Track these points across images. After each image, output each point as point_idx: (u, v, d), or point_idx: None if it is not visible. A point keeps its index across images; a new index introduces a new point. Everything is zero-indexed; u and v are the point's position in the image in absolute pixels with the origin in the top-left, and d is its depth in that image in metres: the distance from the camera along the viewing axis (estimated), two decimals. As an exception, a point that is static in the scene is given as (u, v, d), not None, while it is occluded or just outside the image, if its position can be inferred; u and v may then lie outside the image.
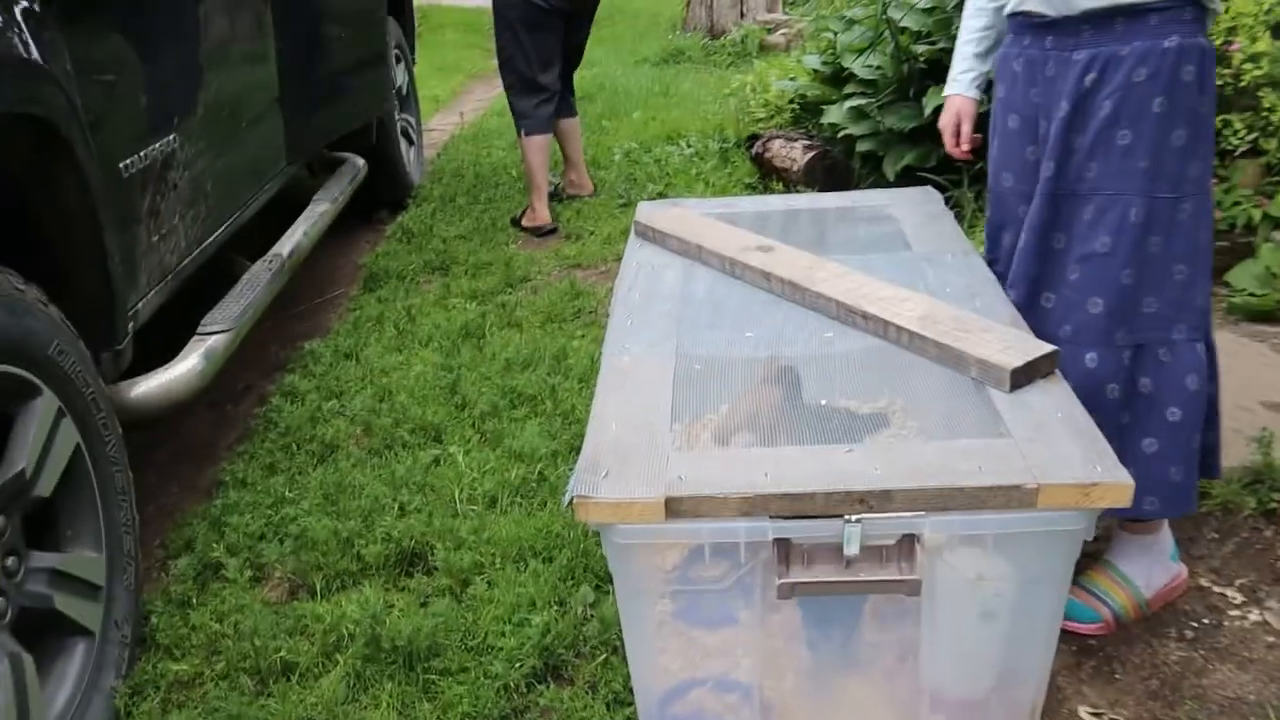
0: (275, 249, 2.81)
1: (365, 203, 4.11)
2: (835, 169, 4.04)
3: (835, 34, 4.35)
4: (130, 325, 2.01)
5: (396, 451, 2.46)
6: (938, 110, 3.50)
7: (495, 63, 4.18)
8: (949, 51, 3.57)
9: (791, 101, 4.75)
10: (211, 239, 2.47)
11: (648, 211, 2.13)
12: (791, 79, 4.84)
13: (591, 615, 1.86)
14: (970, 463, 1.28)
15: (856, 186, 3.96)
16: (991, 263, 1.88)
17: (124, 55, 2.02)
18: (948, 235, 1.97)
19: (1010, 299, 1.74)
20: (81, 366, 1.71)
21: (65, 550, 1.69)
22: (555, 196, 4.24)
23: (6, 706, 1.46)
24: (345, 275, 3.82)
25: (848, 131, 3.91)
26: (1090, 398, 1.66)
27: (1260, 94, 3.00)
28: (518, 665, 1.75)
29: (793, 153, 4.12)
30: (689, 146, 4.86)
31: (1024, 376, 1.44)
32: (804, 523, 1.27)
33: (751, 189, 4.24)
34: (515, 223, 4.09)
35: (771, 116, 4.86)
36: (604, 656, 1.78)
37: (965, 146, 1.98)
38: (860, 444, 1.35)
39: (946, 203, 2.15)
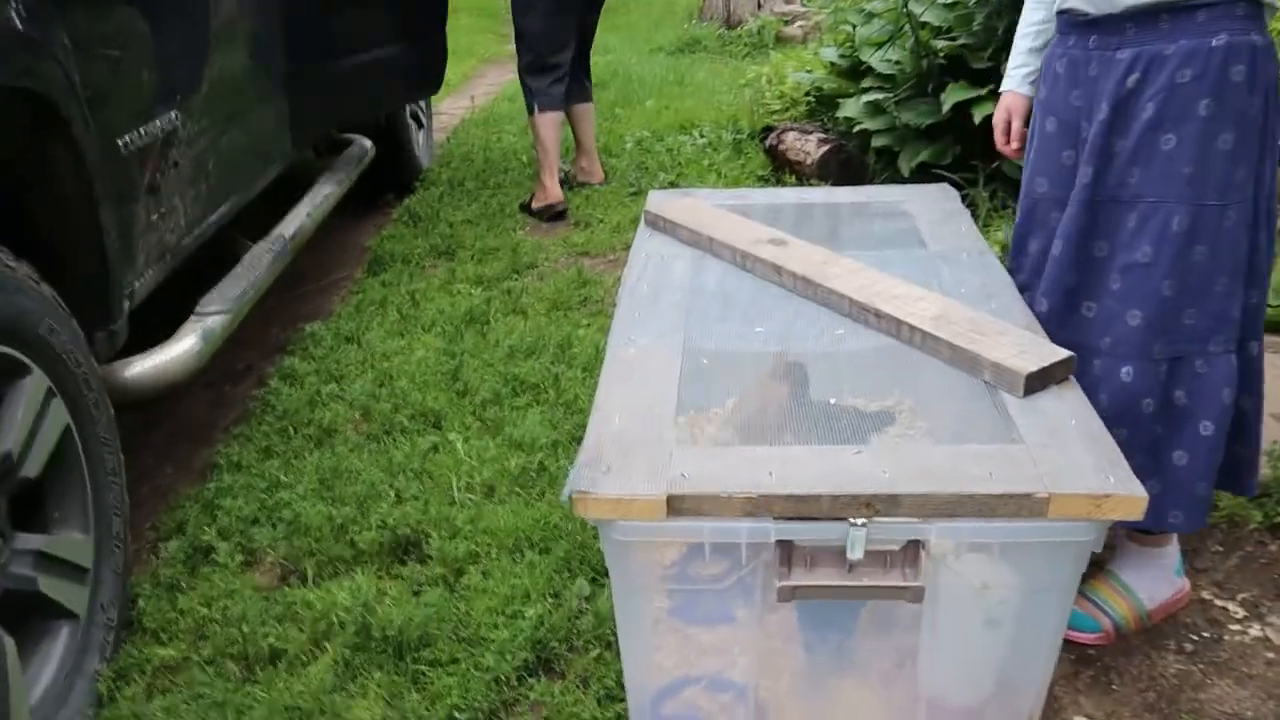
0: (278, 230, 2.78)
1: (372, 185, 4.08)
2: (849, 164, 4.00)
3: (854, 27, 4.29)
4: (126, 304, 1.97)
5: (395, 437, 2.43)
6: (956, 107, 3.50)
7: (510, 48, 4.17)
8: (970, 48, 3.57)
9: (807, 94, 4.70)
10: (212, 219, 2.44)
11: (658, 201, 2.09)
12: (808, 71, 4.79)
13: (586, 609, 1.83)
14: (980, 468, 1.24)
15: (870, 182, 3.92)
16: (1012, 272, 1.81)
17: (124, 30, 1.98)
18: (964, 234, 1.93)
19: (1043, 308, 1.69)
20: (73, 346, 1.68)
21: (52, 532, 1.66)
22: (565, 184, 4.21)
23: (-13, 689, 1.43)
24: (349, 258, 3.79)
25: (863, 126, 3.86)
26: (1125, 412, 1.63)
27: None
28: (509, 658, 1.72)
29: (807, 146, 4.07)
30: (702, 136, 4.81)
31: (1038, 382, 1.40)
32: (808, 525, 1.24)
33: (764, 181, 4.20)
34: (524, 208, 4.05)
35: (786, 109, 4.82)
36: (597, 651, 1.75)
37: (1015, 145, 1.92)
38: (868, 445, 1.31)
39: (962, 201, 2.11)
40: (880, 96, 3.84)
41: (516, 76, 4.16)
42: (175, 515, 2.20)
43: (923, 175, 3.44)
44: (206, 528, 2.11)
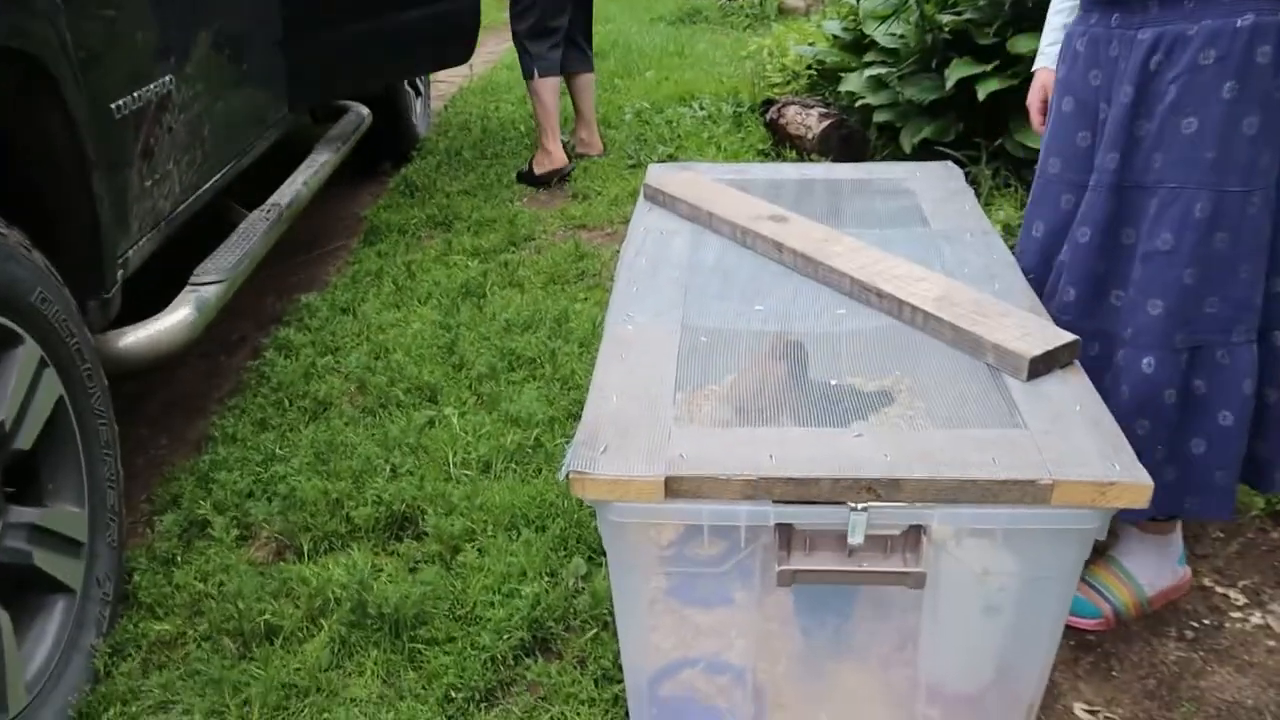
0: (274, 198, 2.75)
1: (368, 154, 4.04)
2: (851, 139, 3.96)
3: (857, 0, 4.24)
4: (119, 273, 1.95)
5: (390, 411, 2.41)
6: (960, 83, 3.46)
7: (505, 15, 4.12)
8: (975, 23, 3.52)
9: (809, 67, 4.65)
10: (207, 185, 2.41)
11: (658, 174, 2.07)
12: (810, 44, 4.74)
13: (583, 588, 1.82)
14: (983, 454, 1.23)
15: (872, 158, 3.88)
16: (1018, 253, 1.78)
17: (119, -9, 1.95)
18: (967, 213, 1.91)
19: (1070, 296, 1.66)
20: (66, 315, 1.66)
21: (46, 505, 1.64)
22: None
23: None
24: (345, 227, 3.75)
25: (865, 101, 3.81)
26: (1147, 404, 1.60)
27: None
28: (505, 637, 1.72)
29: (808, 120, 4.03)
30: (702, 109, 4.77)
31: (1043, 365, 1.38)
32: (808, 508, 1.22)
33: (764, 155, 4.16)
34: (522, 177, 4.01)
35: (788, 82, 4.77)
36: (594, 631, 1.74)
37: None
38: (869, 427, 1.30)
39: (965, 179, 2.09)
40: (883, 71, 3.80)
41: (513, 44, 4.11)
42: (170, 488, 2.18)
43: (925, 152, 3.40)
44: (202, 501, 2.09)
